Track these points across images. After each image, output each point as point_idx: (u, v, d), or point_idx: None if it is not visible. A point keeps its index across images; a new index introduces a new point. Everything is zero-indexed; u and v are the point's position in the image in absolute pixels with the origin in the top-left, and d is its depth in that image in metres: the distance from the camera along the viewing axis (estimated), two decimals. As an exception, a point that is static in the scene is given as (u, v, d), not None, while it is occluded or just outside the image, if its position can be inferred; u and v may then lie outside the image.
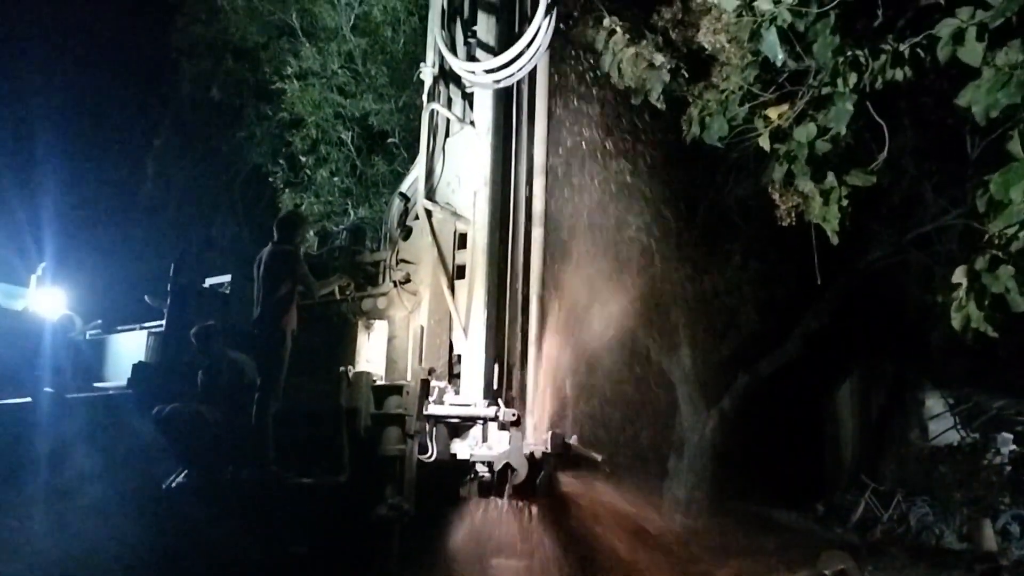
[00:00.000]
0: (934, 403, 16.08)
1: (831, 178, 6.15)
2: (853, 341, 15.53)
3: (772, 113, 6.35)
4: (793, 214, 6.68)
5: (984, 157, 9.65)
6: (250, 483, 7.42)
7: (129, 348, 9.81)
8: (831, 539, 12.62)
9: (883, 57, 5.78)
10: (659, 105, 7.07)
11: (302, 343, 8.37)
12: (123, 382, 8.78)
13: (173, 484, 7.59)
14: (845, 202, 6.19)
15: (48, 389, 9.01)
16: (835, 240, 6.40)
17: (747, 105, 6.52)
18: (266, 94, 15.06)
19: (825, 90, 6.09)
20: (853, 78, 5.86)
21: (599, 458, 8.16)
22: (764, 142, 6.37)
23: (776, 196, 6.67)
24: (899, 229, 13.20)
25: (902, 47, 5.75)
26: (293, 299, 7.95)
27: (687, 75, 7.06)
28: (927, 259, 13.00)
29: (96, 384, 9.58)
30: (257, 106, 15.53)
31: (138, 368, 8.68)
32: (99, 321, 10.67)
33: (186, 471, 7.64)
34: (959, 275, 5.48)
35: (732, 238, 13.46)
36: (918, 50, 5.71)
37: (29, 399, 9.03)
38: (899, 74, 5.78)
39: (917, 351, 15.41)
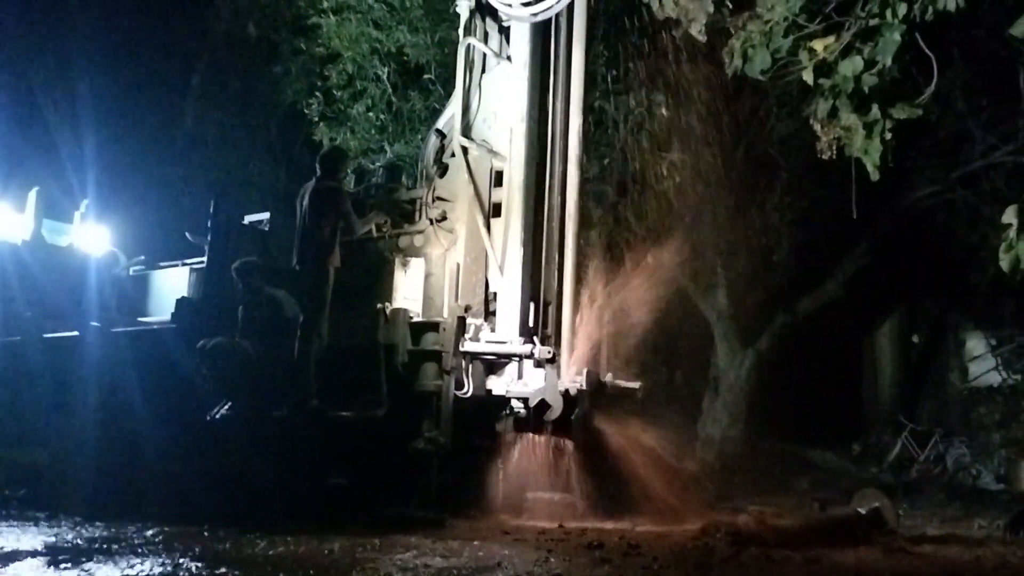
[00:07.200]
0: (975, 344, 15.83)
1: (875, 110, 5.99)
2: (895, 281, 15.29)
3: (817, 45, 6.16)
4: (834, 147, 6.52)
5: (1038, 92, 9.34)
6: (291, 416, 7.59)
7: (172, 284, 9.97)
8: (866, 478, 12.60)
9: (935, -15, 5.57)
10: (700, 37, 6.88)
11: (340, 280, 8.47)
12: (167, 317, 8.93)
13: (217, 416, 7.78)
14: (889, 135, 6.03)
15: (94, 323, 9.20)
16: (875, 176, 6.25)
17: (792, 37, 6.33)
18: (302, 29, 14.99)
19: (873, 21, 5.89)
20: (903, 8, 5.66)
21: (636, 386, 8.20)
22: (808, 76, 6.20)
23: (817, 128, 6.52)
24: (946, 167, 12.88)
25: (955, -26, 5.54)
26: (336, 236, 7.99)
27: (730, 5, 6.86)
28: (974, 198, 12.70)
29: (140, 319, 9.76)
30: (292, 41, 15.48)
31: (182, 303, 8.82)
32: (142, 257, 10.82)
33: (229, 404, 7.82)
34: (1009, 215, 5.37)
35: (773, 176, 13.23)
36: (972, -23, 5.51)
37: (76, 333, 9.24)
38: (951, 3, 5.56)
39: (960, 292, 15.16)
